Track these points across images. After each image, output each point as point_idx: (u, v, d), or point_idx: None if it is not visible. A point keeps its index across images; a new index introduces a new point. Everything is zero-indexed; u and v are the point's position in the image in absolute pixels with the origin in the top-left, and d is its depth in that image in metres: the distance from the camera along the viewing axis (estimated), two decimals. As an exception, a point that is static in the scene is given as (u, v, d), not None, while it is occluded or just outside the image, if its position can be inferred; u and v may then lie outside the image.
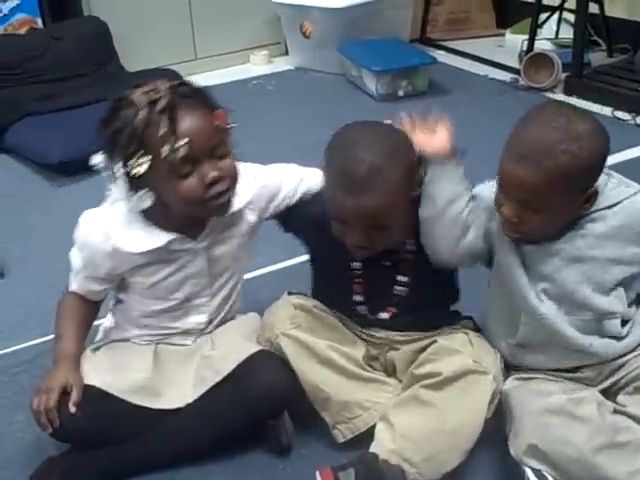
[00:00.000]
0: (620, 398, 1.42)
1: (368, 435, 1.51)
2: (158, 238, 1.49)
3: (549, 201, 1.33)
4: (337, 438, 1.56)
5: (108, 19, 3.60)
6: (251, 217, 1.60)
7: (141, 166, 1.36)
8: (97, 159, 1.44)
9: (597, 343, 1.42)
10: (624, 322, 1.44)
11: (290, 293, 1.63)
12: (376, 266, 1.55)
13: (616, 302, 1.41)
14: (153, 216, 1.48)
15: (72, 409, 1.44)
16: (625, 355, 1.44)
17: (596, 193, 1.37)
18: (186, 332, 1.62)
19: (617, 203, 1.39)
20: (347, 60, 3.79)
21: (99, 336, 1.67)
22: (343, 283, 1.59)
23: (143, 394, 1.52)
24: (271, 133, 3.27)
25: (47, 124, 3.03)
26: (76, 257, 1.54)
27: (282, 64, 4.23)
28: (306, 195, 1.65)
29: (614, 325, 1.42)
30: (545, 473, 1.34)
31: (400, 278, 1.56)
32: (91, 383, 1.50)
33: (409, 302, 1.57)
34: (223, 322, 1.65)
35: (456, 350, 1.49)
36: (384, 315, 1.59)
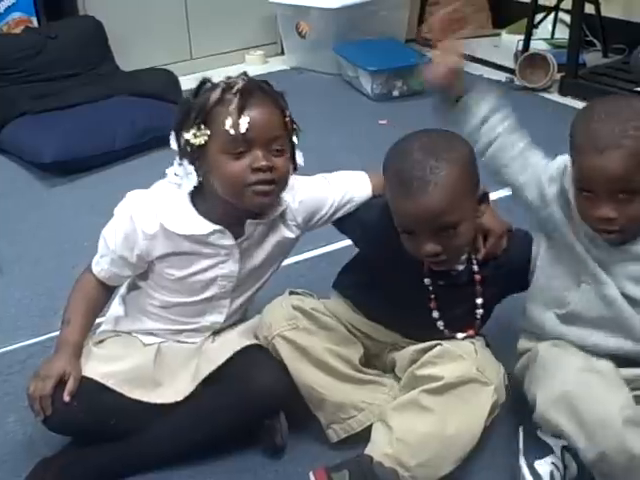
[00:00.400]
0: None
1: (362, 436, 1.51)
2: (203, 225, 1.50)
3: None
4: (331, 438, 1.56)
5: (103, 18, 3.59)
6: (288, 232, 1.59)
7: (200, 137, 1.42)
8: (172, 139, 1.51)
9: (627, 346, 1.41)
10: None
11: (292, 292, 1.62)
12: (448, 284, 1.54)
13: None
14: (199, 204, 1.51)
15: (66, 398, 1.44)
16: None
17: None
18: (197, 330, 1.62)
19: None
20: (343, 60, 3.79)
21: (105, 326, 1.65)
22: (414, 299, 1.56)
23: (140, 386, 1.51)
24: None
25: (41, 124, 3.02)
26: (111, 234, 1.52)
27: (278, 64, 4.23)
28: (354, 204, 1.63)
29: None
30: (538, 467, 1.35)
31: (478, 301, 1.55)
32: (88, 375, 1.49)
33: (483, 323, 1.58)
34: (234, 323, 1.66)
35: (460, 356, 1.48)
36: (460, 335, 1.56)
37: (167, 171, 1.53)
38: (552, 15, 3.96)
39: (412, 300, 1.55)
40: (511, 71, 3.77)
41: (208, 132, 1.42)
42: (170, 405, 1.52)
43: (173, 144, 1.50)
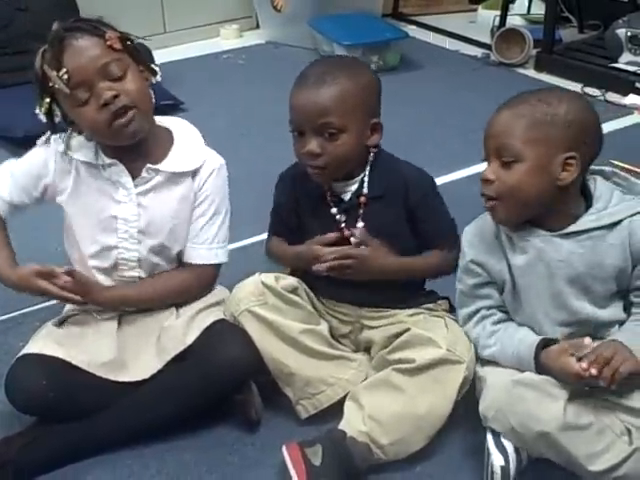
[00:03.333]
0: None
1: (336, 411, 1.51)
2: (101, 155, 1.53)
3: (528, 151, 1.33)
4: (300, 414, 1.57)
5: (74, -10, 3.52)
6: (186, 187, 1.58)
7: (44, 107, 1.48)
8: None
9: None
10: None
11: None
12: (342, 211, 1.56)
13: (616, 312, 1.41)
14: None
15: (65, 277, 1.46)
16: None
17: None
18: None
19: (619, 222, 1.36)
20: (318, 34, 3.75)
21: (68, 305, 1.64)
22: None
23: (108, 368, 1.51)
24: (241, 107, 3.24)
25: (12, 97, 2.97)
26: (10, 162, 1.59)
27: (253, 38, 4.19)
28: None
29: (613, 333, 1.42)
30: (504, 440, 1.36)
31: (359, 224, 1.55)
32: (56, 355, 1.48)
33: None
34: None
35: (430, 339, 1.48)
36: (359, 224, 1.55)
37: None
38: (528, -10, 3.96)
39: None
40: (487, 47, 3.77)
41: (48, 97, 1.47)
42: (137, 382, 1.51)
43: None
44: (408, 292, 1.62)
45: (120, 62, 1.46)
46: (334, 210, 1.56)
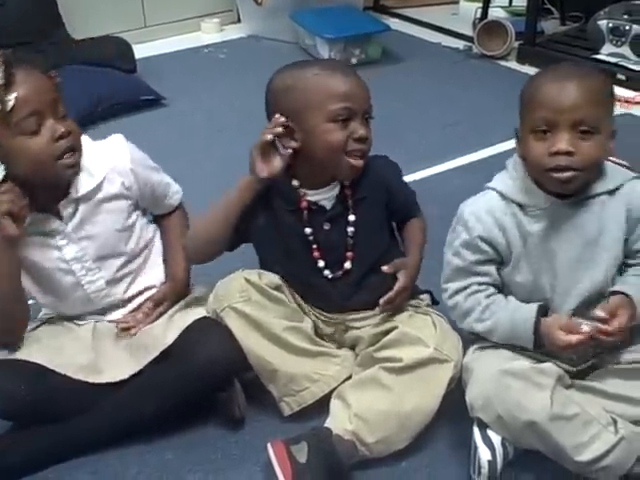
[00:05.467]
0: (588, 378, 1.43)
1: (320, 408, 1.50)
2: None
3: (600, 120, 1.34)
4: (284, 411, 1.55)
5: (53, -16, 3.49)
6: (113, 189, 1.53)
7: None
8: None
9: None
10: None
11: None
12: (326, 220, 1.53)
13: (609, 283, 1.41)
14: None
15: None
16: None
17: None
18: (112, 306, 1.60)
19: (618, 187, 1.40)
20: (300, 28, 3.74)
21: (45, 309, 1.64)
22: (299, 250, 1.56)
23: (85, 371, 1.49)
24: (222, 102, 3.22)
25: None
26: None
27: (234, 32, 4.16)
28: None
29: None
30: (490, 433, 1.36)
31: (349, 229, 1.54)
32: (33, 360, 1.47)
33: (362, 253, 1.55)
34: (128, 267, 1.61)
35: (418, 338, 1.48)
36: (347, 265, 1.55)
37: None
38: (510, -18, 3.95)
39: (300, 257, 1.56)
40: (469, 39, 3.76)
41: None
42: (116, 383, 1.50)
43: None
44: (386, 290, 1.57)
45: (62, 102, 1.44)
46: (308, 230, 1.53)
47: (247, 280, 1.53)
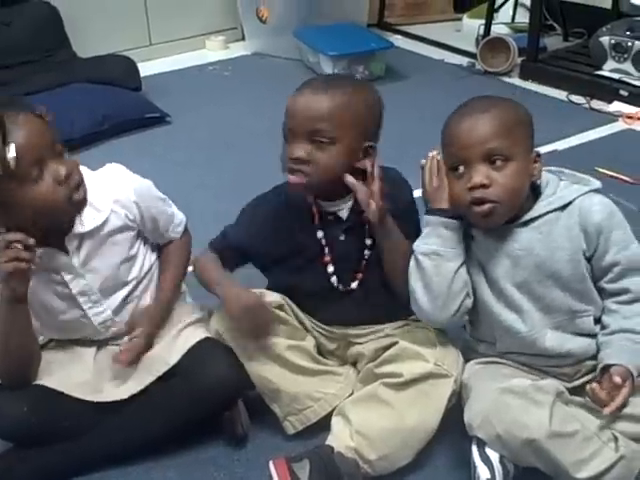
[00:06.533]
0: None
1: (323, 425, 1.50)
2: None
3: (512, 148, 1.34)
4: (287, 430, 1.55)
5: (59, 3, 3.52)
6: (118, 222, 1.52)
7: None
8: None
9: (575, 347, 1.43)
10: (597, 320, 1.43)
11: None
12: (343, 230, 1.53)
13: (588, 297, 1.41)
14: None
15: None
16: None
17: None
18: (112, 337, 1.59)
19: (570, 203, 1.40)
20: (304, 45, 3.76)
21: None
22: (307, 263, 1.55)
23: (86, 390, 1.49)
24: (227, 119, 3.23)
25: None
26: None
27: (239, 50, 4.19)
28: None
29: (587, 322, 1.42)
30: (489, 452, 1.36)
31: (367, 241, 1.52)
32: (35, 381, 1.47)
33: (375, 267, 1.53)
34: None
35: (418, 353, 1.48)
36: (354, 284, 1.54)
37: None
38: (512, -1, 3.97)
39: (311, 267, 1.55)
40: (472, 55, 3.78)
41: None
42: (120, 403, 1.49)
43: None
44: (392, 307, 1.58)
45: (57, 138, 1.42)
46: (320, 233, 1.53)
47: None
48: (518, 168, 1.35)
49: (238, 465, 1.52)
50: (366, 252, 1.53)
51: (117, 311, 1.56)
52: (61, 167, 1.38)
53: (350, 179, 1.44)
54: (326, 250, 1.53)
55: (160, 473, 1.51)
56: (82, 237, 1.48)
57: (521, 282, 1.41)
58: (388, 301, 1.56)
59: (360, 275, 1.54)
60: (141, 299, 1.59)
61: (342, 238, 1.53)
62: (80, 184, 1.42)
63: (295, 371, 1.53)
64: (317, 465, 1.39)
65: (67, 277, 1.49)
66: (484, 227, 1.41)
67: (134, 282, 1.57)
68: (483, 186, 1.34)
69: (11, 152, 1.31)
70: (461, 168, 1.37)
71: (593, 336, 1.43)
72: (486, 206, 1.35)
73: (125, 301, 1.56)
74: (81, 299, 1.51)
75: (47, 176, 1.37)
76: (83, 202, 1.44)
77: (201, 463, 1.53)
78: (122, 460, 1.52)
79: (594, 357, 1.42)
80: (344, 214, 1.53)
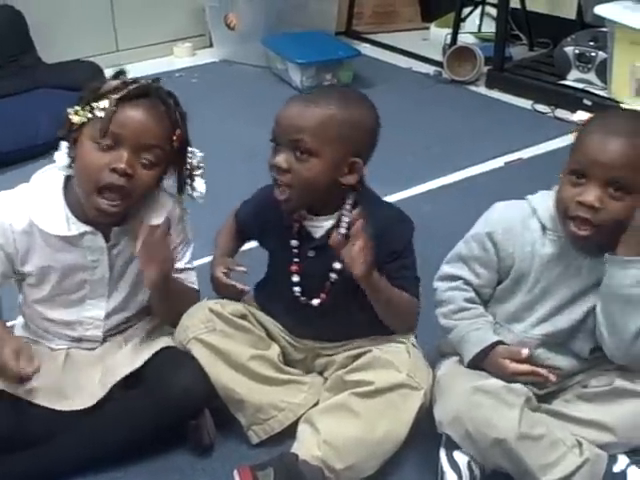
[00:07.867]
0: (555, 402, 1.46)
1: (288, 434, 1.50)
2: (75, 226, 1.45)
3: (638, 182, 1.30)
4: (251, 439, 1.54)
5: (23, 8, 3.46)
6: None
7: (80, 117, 1.39)
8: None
9: (565, 364, 1.46)
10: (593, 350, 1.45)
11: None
12: (311, 248, 1.52)
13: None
14: (71, 199, 1.45)
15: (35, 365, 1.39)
16: (583, 372, 1.48)
17: None
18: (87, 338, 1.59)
19: None
20: (272, 52, 3.76)
21: (17, 332, 1.61)
22: (283, 265, 1.55)
23: (51, 397, 1.47)
24: (194, 126, 3.20)
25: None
26: None
27: (206, 56, 4.17)
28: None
29: (580, 347, 1.45)
30: (456, 457, 1.37)
31: (335, 265, 1.50)
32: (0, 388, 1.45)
33: (339, 292, 1.52)
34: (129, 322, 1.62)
35: (390, 362, 1.48)
36: (315, 301, 1.54)
37: (55, 155, 1.47)
38: (479, 9, 4.01)
39: (282, 270, 1.55)
40: (439, 64, 3.81)
41: (89, 115, 1.38)
42: (85, 411, 1.47)
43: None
44: (369, 328, 1.57)
45: (159, 156, 1.41)
46: (294, 242, 1.52)
47: (211, 310, 1.54)
48: (633, 204, 1.31)
49: (203, 474, 1.51)
50: (332, 275, 1.51)
51: (109, 315, 1.56)
52: (122, 162, 1.36)
53: (334, 240, 1.41)
54: (295, 260, 1.53)
55: (126, 482, 1.49)
56: (128, 232, 1.49)
57: (565, 295, 1.42)
58: (357, 321, 1.55)
59: (323, 296, 1.53)
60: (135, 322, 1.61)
61: (311, 255, 1.53)
62: (124, 194, 1.39)
63: (259, 381, 1.52)
64: (282, 473, 1.38)
65: (93, 263, 1.49)
66: (571, 241, 1.38)
67: (135, 299, 1.58)
68: (592, 207, 1.31)
69: (120, 114, 1.36)
70: (583, 180, 1.33)
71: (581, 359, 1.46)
72: (586, 232, 1.33)
73: (122, 325, 1.59)
74: (92, 286, 1.51)
75: (109, 155, 1.36)
76: (112, 214, 1.42)
77: (166, 472, 1.51)
78: (88, 468, 1.50)
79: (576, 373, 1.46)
80: (318, 232, 1.52)
